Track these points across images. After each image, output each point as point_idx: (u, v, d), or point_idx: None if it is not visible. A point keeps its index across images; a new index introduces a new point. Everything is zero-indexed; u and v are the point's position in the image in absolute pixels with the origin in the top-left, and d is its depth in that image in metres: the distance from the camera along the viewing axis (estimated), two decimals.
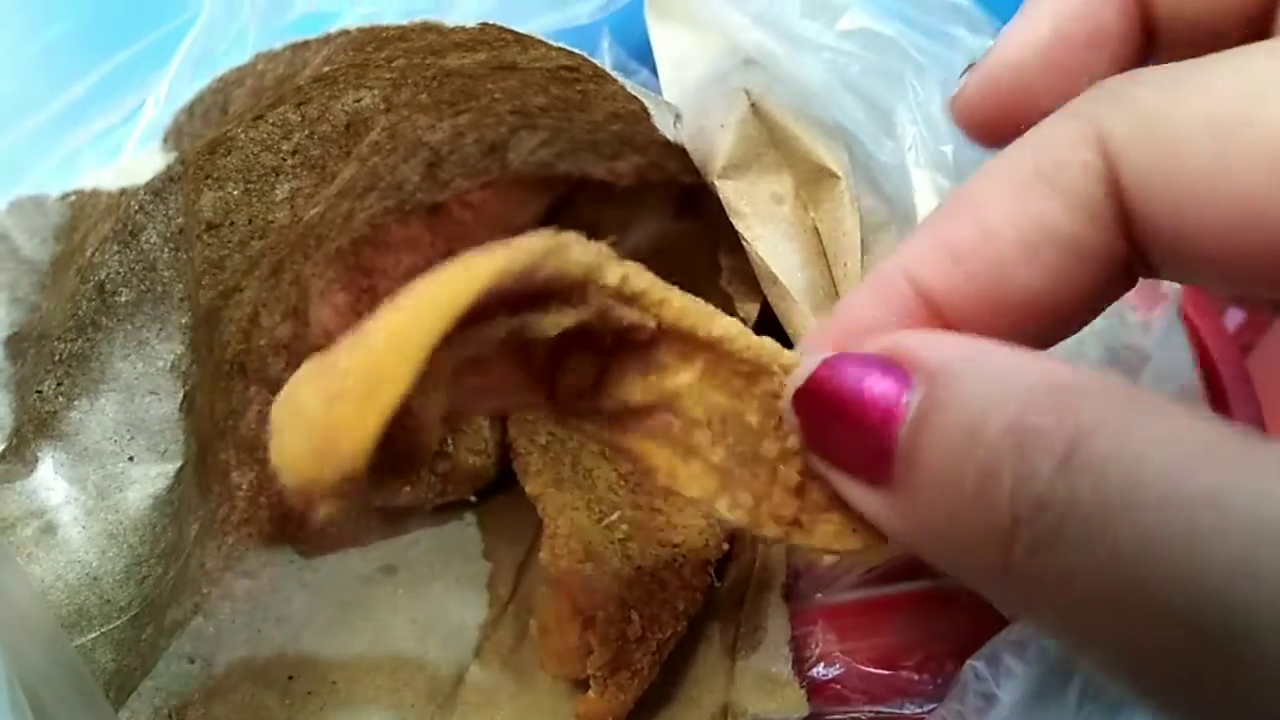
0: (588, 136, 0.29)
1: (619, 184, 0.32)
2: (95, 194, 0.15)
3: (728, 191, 0.26)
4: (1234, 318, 0.70)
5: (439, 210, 0.31)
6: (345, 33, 0.16)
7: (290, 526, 0.26)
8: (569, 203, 0.34)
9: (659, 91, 0.30)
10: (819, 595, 0.27)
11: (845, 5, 0.22)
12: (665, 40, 0.29)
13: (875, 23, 0.22)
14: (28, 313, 0.16)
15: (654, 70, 0.31)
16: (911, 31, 0.22)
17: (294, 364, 0.27)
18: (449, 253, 0.34)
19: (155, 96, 0.20)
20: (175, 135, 0.15)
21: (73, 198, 0.15)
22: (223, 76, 0.15)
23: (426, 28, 0.18)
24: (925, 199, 0.22)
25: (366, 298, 0.30)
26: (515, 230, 0.36)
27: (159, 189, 0.17)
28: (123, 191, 0.16)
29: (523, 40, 0.20)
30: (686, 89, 0.28)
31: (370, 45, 0.18)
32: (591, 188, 0.34)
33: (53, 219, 0.15)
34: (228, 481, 0.25)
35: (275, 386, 0.26)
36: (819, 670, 0.26)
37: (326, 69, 0.18)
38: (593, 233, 0.36)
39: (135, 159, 0.15)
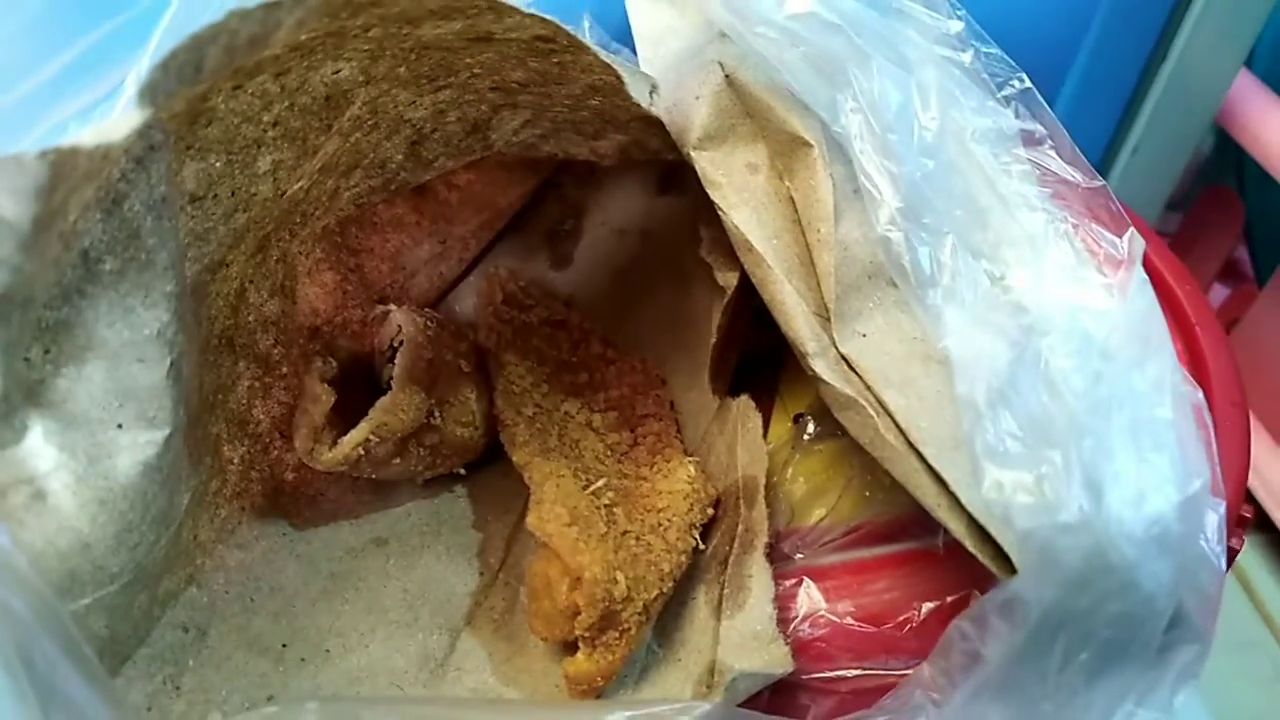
0: (569, 115, 0.29)
1: (602, 163, 0.33)
2: (74, 152, 0.15)
3: (703, 162, 0.26)
4: (1219, 293, 0.71)
5: (424, 190, 0.32)
6: (329, 7, 0.17)
7: (282, 499, 0.27)
8: (553, 184, 0.34)
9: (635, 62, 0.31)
10: (801, 556, 0.27)
11: None
12: (643, 17, 0.30)
13: (822, 4, 0.22)
14: (11, 274, 0.17)
15: (634, 49, 0.32)
16: (861, 8, 0.22)
17: (282, 340, 0.27)
18: (434, 233, 0.35)
19: (137, 71, 0.21)
20: (150, 92, 0.15)
21: (52, 156, 0.15)
22: (196, 34, 0.15)
23: (407, 6, 0.18)
24: (881, 182, 0.22)
25: (354, 276, 0.30)
26: (500, 211, 0.36)
27: (140, 156, 0.18)
28: (104, 155, 0.16)
29: (496, 8, 0.20)
30: (665, 64, 0.29)
31: (345, 11, 0.18)
32: (575, 167, 0.35)
33: (31, 178, 0.16)
34: (219, 455, 0.25)
35: (263, 362, 0.27)
36: (804, 629, 0.26)
37: (303, 36, 0.19)
38: (576, 212, 0.36)
39: (113, 119, 0.16)
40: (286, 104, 0.21)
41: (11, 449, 0.19)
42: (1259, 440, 0.63)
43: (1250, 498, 0.66)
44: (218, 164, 0.21)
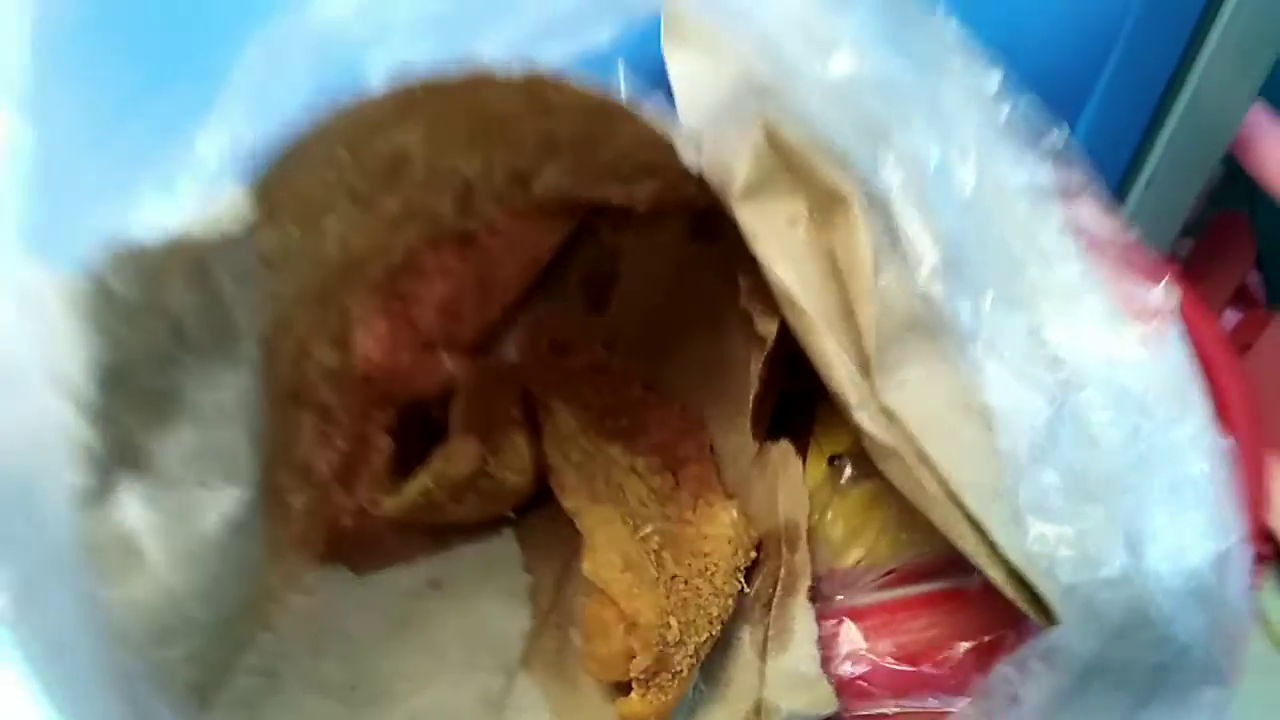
0: (610, 164, 0.30)
1: (637, 209, 0.34)
2: (186, 238, 0.16)
3: (746, 215, 0.27)
4: (1231, 318, 0.72)
5: (468, 238, 0.33)
6: (409, 88, 0.18)
7: (342, 545, 0.28)
8: (589, 229, 0.35)
9: (673, 113, 0.32)
10: (841, 596, 0.28)
11: (838, 41, 0.23)
12: (681, 67, 0.31)
13: (865, 64, 0.23)
14: (115, 347, 0.18)
15: (669, 94, 0.33)
16: (903, 66, 0.23)
17: (340, 390, 0.28)
18: (479, 278, 0.36)
19: (206, 134, 0.22)
20: (264, 191, 0.17)
21: (163, 242, 0.16)
22: (293, 123, 0.16)
23: (479, 82, 0.19)
24: (921, 237, 0.23)
25: (404, 324, 0.31)
26: (540, 256, 0.37)
27: (233, 234, 0.19)
28: (205, 237, 0.17)
29: (561, 86, 0.21)
30: (703, 115, 0.30)
31: (423, 92, 0.19)
32: (610, 213, 0.36)
33: (143, 261, 0.17)
34: (285, 504, 0.26)
35: (323, 412, 0.28)
36: (846, 668, 0.27)
37: (375, 112, 0.20)
38: (612, 257, 0.37)
39: (217, 205, 0.17)
40: (355, 169, 0.22)
41: (107, 509, 0.20)
42: (1270, 464, 0.64)
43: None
44: (293, 231, 0.22)
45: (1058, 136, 0.25)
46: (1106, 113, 0.52)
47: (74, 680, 0.18)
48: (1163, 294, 0.24)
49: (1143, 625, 0.20)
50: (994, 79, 0.25)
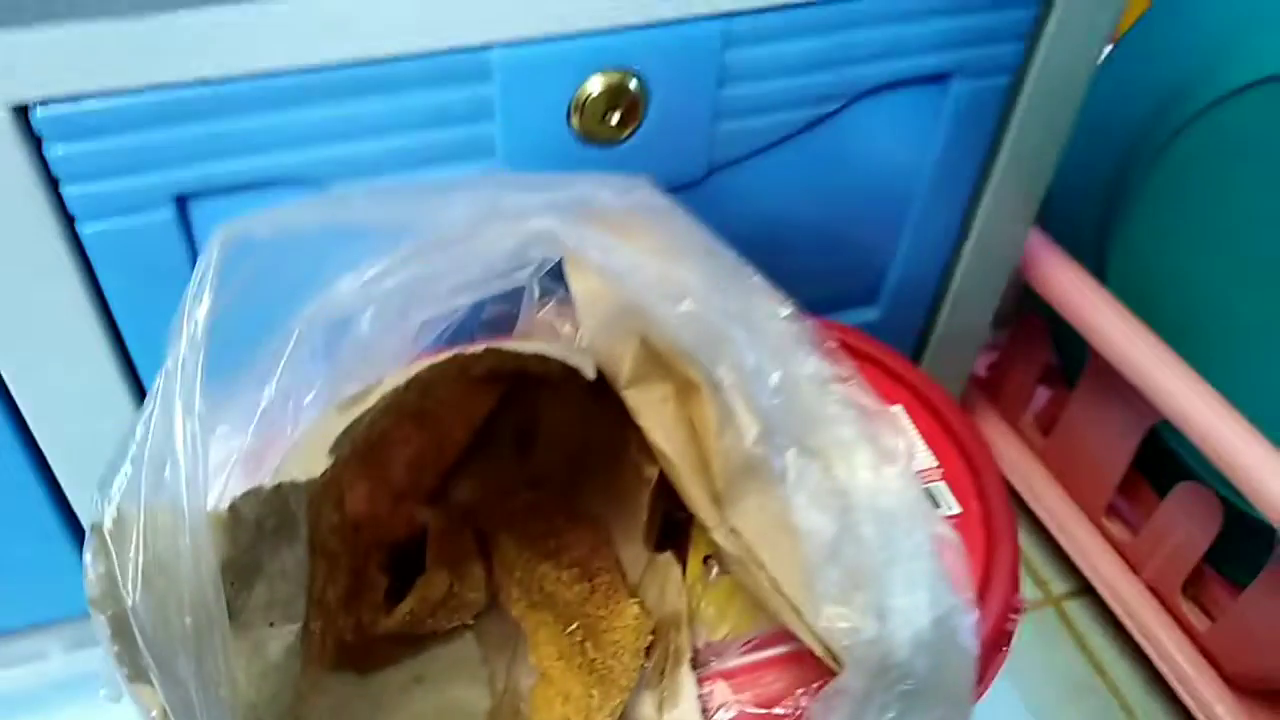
0: (525, 360, 0.42)
1: (550, 377, 0.45)
2: (292, 483, 0.27)
3: (629, 396, 0.39)
4: (1042, 395, 0.86)
5: (423, 412, 0.43)
6: (427, 369, 0.29)
7: (347, 656, 0.38)
8: (513, 394, 0.46)
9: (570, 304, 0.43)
10: (714, 661, 0.39)
11: (683, 295, 0.35)
12: (580, 287, 0.42)
13: (701, 305, 0.35)
14: (236, 550, 0.28)
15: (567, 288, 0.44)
16: (726, 305, 0.35)
17: (341, 539, 0.38)
18: (433, 440, 0.47)
19: (269, 389, 0.32)
20: (336, 447, 0.27)
21: (274, 485, 0.27)
22: (368, 408, 0.27)
23: (451, 360, 0.30)
24: (745, 415, 0.35)
25: (380, 483, 0.42)
26: (478, 415, 0.48)
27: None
28: (290, 479, 0.28)
29: (506, 353, 0.32)
30: (598, 322, 0.41)
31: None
32: (530, 380, 0.47)
33: (262, 496, 0.27)
34: (307, 628, 0.36)
35: (331, 557, 0.38)
36: (720, 716, 0.38)
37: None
38: (535, 414, 0.48)
39: (311, 460, 0.27)
40: (383, 405, 0.33)
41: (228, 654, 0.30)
42: (1076, 519, 0.78)
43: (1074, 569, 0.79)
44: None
45: (832, 344, 0.38)
46: (914, 251, 0.65)
47: None
48: (903, 445, 0.36)
49: (891, 668, 0.32)
50: (788, 307, 0.37)
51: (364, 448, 0.41)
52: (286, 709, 0.33)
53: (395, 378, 0.30)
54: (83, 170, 0.43)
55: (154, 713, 0.26)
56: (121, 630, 0.26)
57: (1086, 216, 0.76)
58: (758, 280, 0.37)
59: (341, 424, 0.28)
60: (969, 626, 0.34)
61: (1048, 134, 0.61)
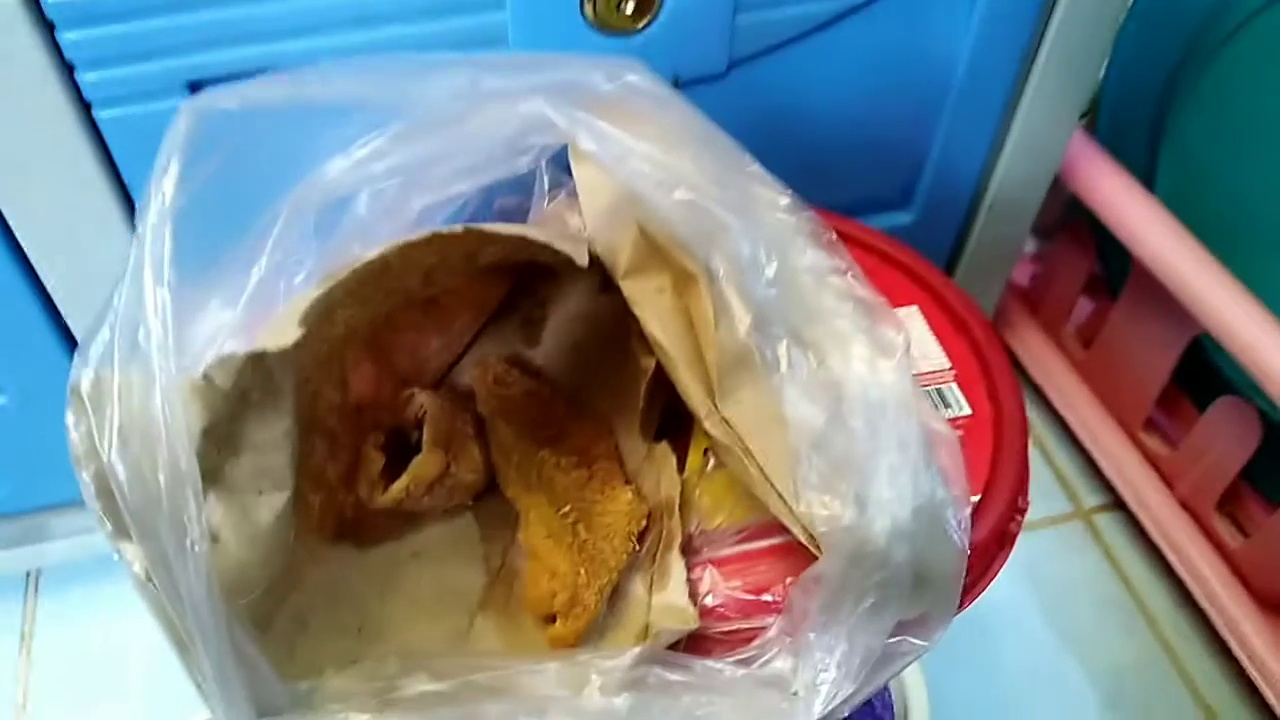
0: (534, 248, 0.41)
1: (558, 267, 0.45)
2: (263, 352, 0.27)
3: (627, 287, 0.38)
4: (1085, 307, 0.84)
5: (431, 299, 0.44)
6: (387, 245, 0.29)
7: (346, 528, 0.39)
8: (524, 283, 0.46)
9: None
10: (706, 550, 0.39)
11: (678, 182, 0.34)
12: (582, 177, 0.42)
13: (697, 194, 0.34)
14: (212, 415, 0.29)
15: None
16: (723, 194, 0.34)
17: (342, 419, 0.39)
18: (439, 329, 0.48)
19: (259, 265, 0.33)
20: (305, 318, 0.28)
21: (247, 354, 0.27)
22: (338, 281, 0.27)
23: (432, 232, 0.30)
24: (739, 306, 0.35)
25: (384, 367, 0.42)
26: (486, 307, 0.49)
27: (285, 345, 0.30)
28: (267, 347, 0.28)
29: (490, 230, 0.32)
30: (599, 211, 0.40)
31: (397, 243, 0.30)
32: (540, 269, 0.47)
33: (235, 364, 0.28)
34: (306, 501, 0.37)
35: (331, 436, 0.39)
36: (708, 599, 0.38)
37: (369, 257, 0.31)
38: (543, 304, 0.48)
39: (283, 330, 0.28)
40: (355, 283, 0.33)
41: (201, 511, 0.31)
42: (1113, 432, 0.77)
43: (1106, 483, 0.78)
44: (313, 328, 0.33)
45: (831, 235, 0.37)
46: (950, 150, 0.63)
47: (193, 619, 0.29)
48: (900, 340, 0.35)
49: (867, 555, 0.32)
50: (786, 197, 0.36)
51: (369, 332, 0.42)
52: (281, 573, 0.34)
53: (368, 254, 0.30)
54: (95, 56, 0.43)
55: (136, 567, 0.27)
56: (103, 488, 0.27)
57: (1136, 119, 0.73)
58: (756, 169, 0.36)
59: (311, 296, 0.29)
60: (957, 521, 0.34)
61: (1094, 27, 0.58)
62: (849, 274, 0.36)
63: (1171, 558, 0.72)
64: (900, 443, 0.33)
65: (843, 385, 0.35)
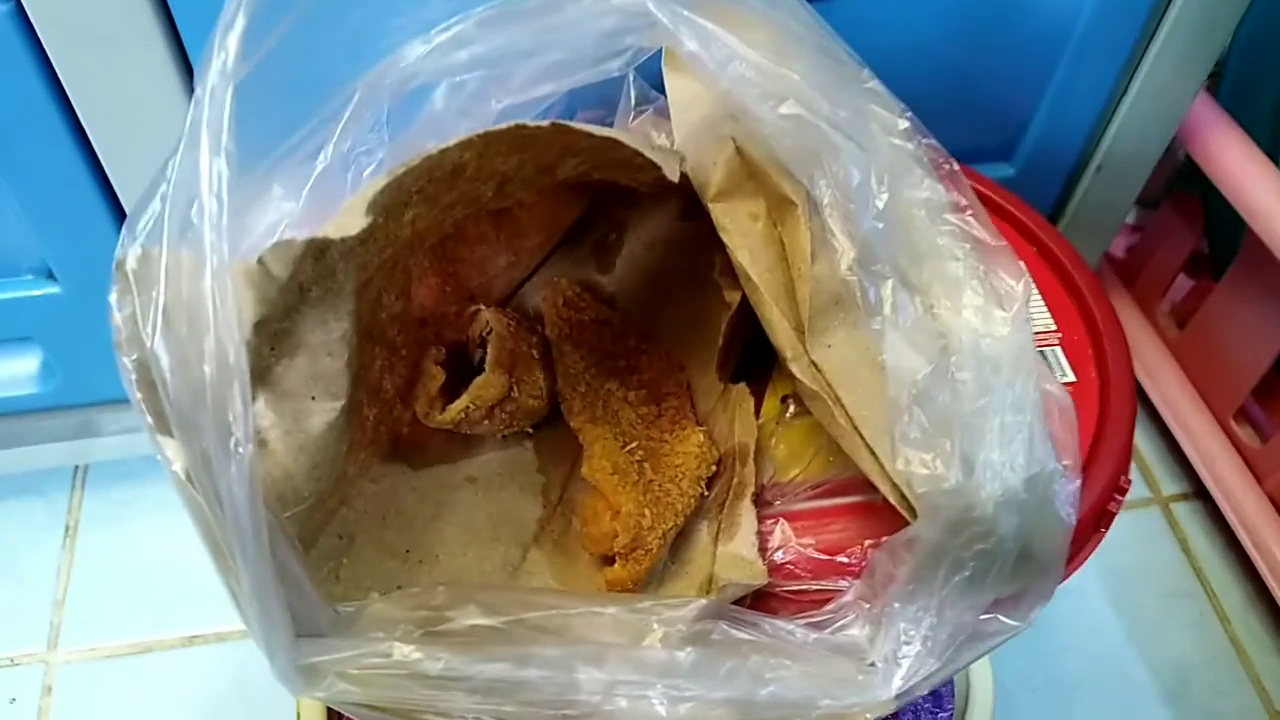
0: (617, 162, 0.38)
1: (640, 189, 0.42)
2: (324, 239, 0.25)
3: (717, 212, 0.35)
4: (1183, 284, 0.79)
5: (502, 213, 0.41)
6: (470, 135, 0.26)
7: (401, 447, 0.37)
8: (600, 204, 0.43)
9: (668, 114, 0.39)
10: (779, 503, 0.37)
11: (786, 95, 0.31)
12: (676, 87, 0.38)
13: (804, 109, 0.31)
14: (268, 308, 0.27)
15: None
16: (835, 112, 0.31)
17: (403, 331, 0.37)
18: (510, 245, 0.45)
19: (325, 153, 0.30)
20: (373, 207, 0.25)
21: (308, 239, 0.25)
22: (410, 168, 0.25)
23: (518, 125, 0.27)
24: (843, 239, 0.31)
25: (451, 280, 0.40)
26: (559, 227, 0.46)
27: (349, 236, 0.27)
28: (331, 236, 0.26)
29: (578, 128, 0.29)
30: (690, 128, 0.37)
31: (479, 136, 0.27)
32: (618, 192, 0.43)
33: (294, 252, 0.25)
34: (360, 414, 0.35)
35: (391, 346, 0.36)
36: (778, 555, 0.36)
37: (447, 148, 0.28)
38: (619, 228, 0.45)
39: (348, 219, 0.25)
40: (427, 180, 0.30)
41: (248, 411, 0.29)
42: (1202, 418, 0.72)
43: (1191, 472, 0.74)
44: (381, 220, 0.30)
45: (950, 166, 0.33)
46: (1062, 102, 0.59)
47: (233, 527, 0.27)
48: (1020, 288, 0.32)
49: (970, 523, 0.29)
50: (905, 120, 0.33)
51: (437, 242, 0.39)
52: (330, 486, 0.32)
53: (444, 143, 0.27)
54: None
55: (176, 466, 0.25)
56: (145, 378, 0.24)
57: (1263, 86, 0.67)
58: (875, 85, 0.33)
59: (381, 183, 0.26)
60: (1069, 494, 0.31)
61: None
62: (968, 212, 0.33)
63: (1253, 553, 0.68)
64: (1015, 403, 0.29)
65: (951, 335, 0.32)
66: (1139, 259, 0.79)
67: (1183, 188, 0.73)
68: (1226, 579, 0.71)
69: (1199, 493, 0.73)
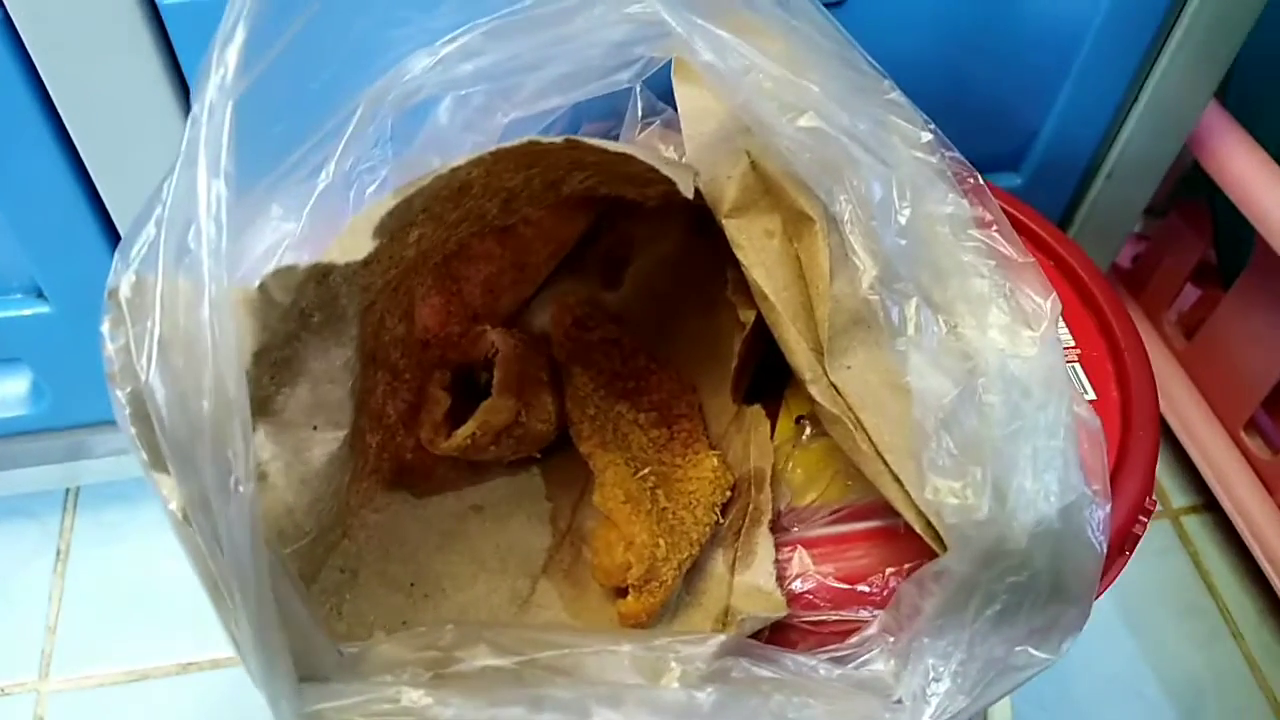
0: (626, 176, 0.37)
1: (648, 204, 0.40)
2: (329, 264, 0.23)
3: (731, 229, 0.34)
4: (1191, 294, 0.78)
5: (508, 229, 0.40)
6: (480, 153, 0.25)
7: (404, 474, 0.35)
8: (608, 219, 0.42)
9: (679, 126, 0.38)
10: (796, 529, 0.35)
11: (804, 107, 0.30)
12: (686, 98, 0.37)
13: (824, 121, 0.30)
14: (269, 336, 0.25)
15: (676, 108, 0.39)
16: (855, 125, 0.30)
17: (406, 354, 0.35)
18: (515, 262, 0.43)
19: (327, 171, 0.29)
20: (381, 230, 0.23)
21: (311, 265, 0.23)
22: (420, 188, 0.23)
23: (529, 142, 0.26)
24: (864, 256, 0.30)
25: (455, 299, 0.38)
26: (565, 242, 0.45)
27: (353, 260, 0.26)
28: (334, 261, 0.24)
29: (589, 143, 0.28)
30: (702, 141, 0.36)
31: (489, 152, 0.26)
32: (626, 206, 0.42)
33: (296, 276, 0.24)
34: (363, 441, 0.34)
35: (393, 370, 0.35)
36: (796, 584, 0.34)
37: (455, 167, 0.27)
38: (627, 243, 0.44)
39: (353, 241, 0.24)
40: (433, 198, 0.29)
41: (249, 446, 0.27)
42: (1212, 430, 0.71)
43: (1200, 484, 0.73)
44: (386, 242, 0.29)
45: (975, 180, 0.32)
46: (1073, 111, 0.58)
47: (233, 567, 0.26)
48: (1048, 306, 0.31)
49: (1003, 555, 0.27)
50: (927, 133, 0.31)
51: (440, 260, 0.38)
52: (332, 519, 0.31)
53: (454, 160, 0.26)
54: None
55: (172, 505, 0.24)
56: (140, 412, 0.23)
57: (1271, 95, 0.66)
58: (896, 97, 0.31)
59: (389, 204, 0.25)
60: (1100, 522, 0.30)
61: None
62: (994, 227, 0.32)
63: (1266, 566, 0.67)
64: (1048, 428, 0.28)
65: (978, 355, 0.30)
66: (1145, 268, 0.78)
67: (1188, 195, 0.72)
68: (1239, 592, 0.70)
69: (1209, 505, 0.72)
